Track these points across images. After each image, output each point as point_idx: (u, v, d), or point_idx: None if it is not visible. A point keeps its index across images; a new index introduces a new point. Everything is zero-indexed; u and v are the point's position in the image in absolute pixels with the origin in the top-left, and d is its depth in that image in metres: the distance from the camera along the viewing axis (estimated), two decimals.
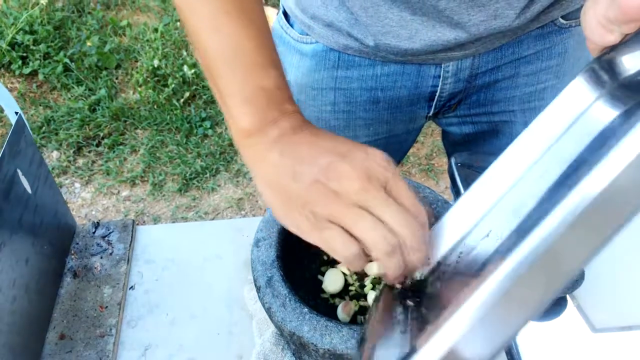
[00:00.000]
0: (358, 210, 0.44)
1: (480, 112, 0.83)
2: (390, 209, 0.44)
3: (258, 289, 0.54)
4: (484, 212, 0.49)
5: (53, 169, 2.02)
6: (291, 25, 0.78)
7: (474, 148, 0.88)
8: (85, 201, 1.95)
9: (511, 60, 0.77)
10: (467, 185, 0.77)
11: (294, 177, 0.46)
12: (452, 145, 0.93)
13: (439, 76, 0.76)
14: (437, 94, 0.78)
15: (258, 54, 0.50)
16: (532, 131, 0.49)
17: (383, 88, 0.78)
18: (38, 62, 2.33)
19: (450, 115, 0.85)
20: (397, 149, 0.91)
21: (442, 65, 0.74)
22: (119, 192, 1.98)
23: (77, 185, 2.01)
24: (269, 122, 0.49)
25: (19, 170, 0.60)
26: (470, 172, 0.78)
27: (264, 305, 0.53)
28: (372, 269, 0.63)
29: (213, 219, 1.88)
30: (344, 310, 0.59)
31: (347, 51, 0.74)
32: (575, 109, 0.50)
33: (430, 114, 0.83)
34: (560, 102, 0.50)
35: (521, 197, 0.49)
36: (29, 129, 0.63)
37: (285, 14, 0.79)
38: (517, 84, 0.79)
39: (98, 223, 0.75)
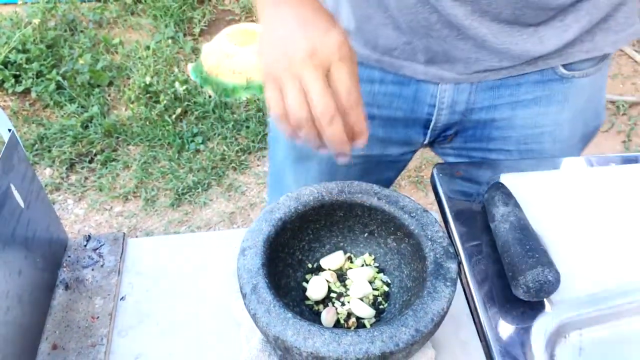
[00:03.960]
0: (293, 80, 0.52)
1: (476, 147, 0.85)
2: (315, 87, 0.51)
3: (244, 296, 0.56)
4: None
5: (46, 185, 2.04)
6: None
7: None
8: (78, 217, 1.97)
9: (509, 102, 0.79)
10: (448, 195, 0.80)
11: (272, 38, 0.54)
12: None
13: (434, 105, 0.78)
14: (433, 122, 0.80)
15: None
16: None
17: (379, 105, 0.80)
18: (31, 80, 2.35)
19: (446, 146, 0.87)
20: (390, 167, 0.93)
21: (438, 95, 0.76)
22: (111, 207, 2.00)
23: (70, 201, 2.02)
24: None
25: (12, 185, 0.62)
26: (451, 183, 0.81)
27: (249, 312, 0.55)
28: (354, 275, 0.66)
29: None
30: (327, 317, 0.61)
31: None
32: None
33: (426, 141, 0.85)
34: None
35: None
36: (21, 145, 0.65)
37: None
38: (513, 125, 0.81)
39: (89, 236, 0.77)
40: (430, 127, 0.81)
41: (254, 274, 0.57)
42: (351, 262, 0.67)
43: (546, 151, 0.84)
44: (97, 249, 0.76)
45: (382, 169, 0.92)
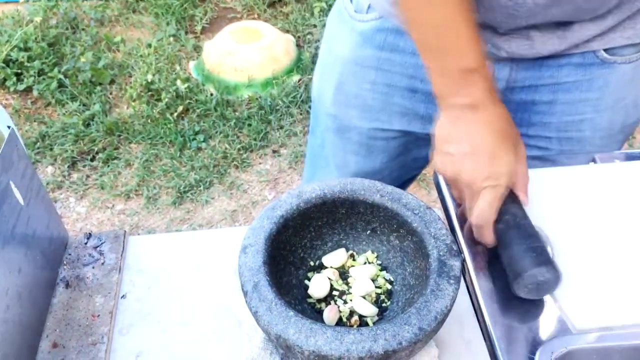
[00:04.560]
0: (474, 195, 0.64)
1: None
2: (489, 208, 0.63)
3: (245, 294, 0.55)
4: None
5: (48, 184, 2.04)
6: (350, 1, 0.83)
7: None
8: (80, 215, 1.97)
9: (550, 83, 0.79)
10: (451, 193, 0.79)
11: (469, 154, 0.64)
12: None
13: None
14: None
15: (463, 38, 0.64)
16: None
17: (423, 79, 0.81)
18: (32, 78, 2.35)
19: None
20: (429, 144, 0.93)
21: None
22: (113, 206, 2.00)
23: (71, 199, 2.02)
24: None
25: (11, 182, 0.62)
26: None
27: (250, 310, 0.54)
28: (357, 273, 0.65)
29: None
30: (329, 315, 0.60)
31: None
32: None
33: None
34: None
35: None
36: (21, 142, 0.65)
37: None
38: (554, 110, 0.81)
39: (90, 234, 0.77)
40: None
41: (255, 271, 0.56)
42: (353, 259, 0.67)
43: (586, 139, 0.84)
44: (98, 246, 0.75)
45: (420, 145, 0.93)
